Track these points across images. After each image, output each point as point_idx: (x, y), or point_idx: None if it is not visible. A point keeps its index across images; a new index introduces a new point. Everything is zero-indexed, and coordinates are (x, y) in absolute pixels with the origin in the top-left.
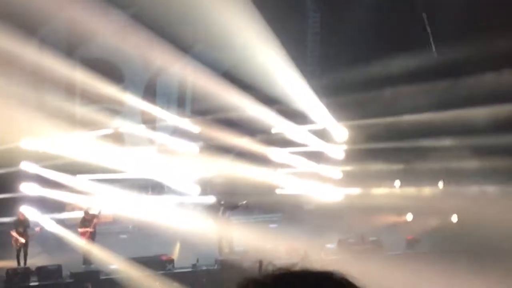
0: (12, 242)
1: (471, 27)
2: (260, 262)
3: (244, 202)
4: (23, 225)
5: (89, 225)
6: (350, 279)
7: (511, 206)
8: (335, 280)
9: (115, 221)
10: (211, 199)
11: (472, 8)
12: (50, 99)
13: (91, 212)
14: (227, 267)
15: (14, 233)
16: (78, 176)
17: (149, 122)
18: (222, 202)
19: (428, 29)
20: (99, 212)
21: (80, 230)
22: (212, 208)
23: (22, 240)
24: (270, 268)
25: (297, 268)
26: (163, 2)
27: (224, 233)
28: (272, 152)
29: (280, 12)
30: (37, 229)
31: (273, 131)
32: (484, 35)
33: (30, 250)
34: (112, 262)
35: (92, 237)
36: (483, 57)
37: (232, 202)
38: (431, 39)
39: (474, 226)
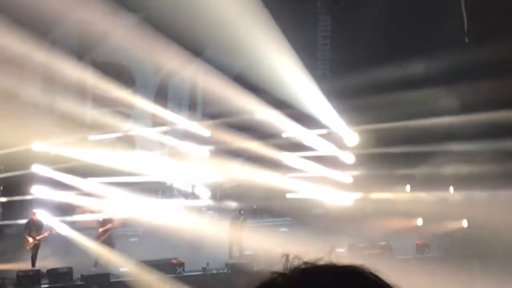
0: (27, 243)
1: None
2: (287, 256)
3: (254, 206)
4: (36, 227)
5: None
6: (379, 274)
7: None
8: (364, 274)
9: (125, 224)
10: (228, 205)
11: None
12: (61, 102)
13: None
14: (237, 270)
15: (26, 236)
16: (89, 179)
17: (160, 125)
18: (243, 212)
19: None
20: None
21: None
22: (231, 215)
23: (31, 244)
24: (296, 262)
25: (323, 262)
26: (174, 6)
27: (235, 238)
28: (282, 156)
29: (290, 15)
30: (47, 231)
31: (284, 135)
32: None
33: (40, 252)
34: (123, 265)
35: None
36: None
37: (249, 207)
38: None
39: (484, 231)
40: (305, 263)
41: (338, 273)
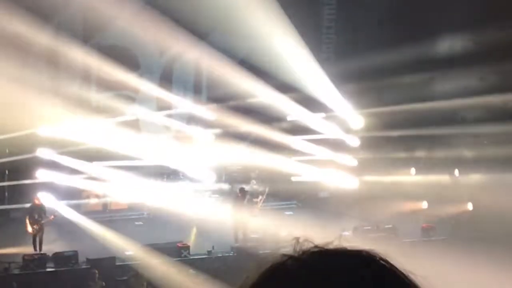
0: (26, 228)
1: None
2: (297, 239)
3: (266, 189)
4: (38, 211)
5: None
6: (390, 260)
7: None
8: (375, 259)
9: (130, 208)
10: (233, 187)
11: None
12: (66, 85)
13: None
14: (243, 254)
15: (27, 220)
16: (94, 163)
17: (165, 109)
18: (247, 189)
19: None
20: None
21: None
22: (237, 196)
23: (30, 230)
24: (307, 245)
25: (333, 246)
26: None
27: (240, 220)
28: (287, 140)
29: None
30: (51, 216)
31: (289, 118)
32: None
33: (46, 236)
34: (128, 248)
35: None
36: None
37: (257, 189)
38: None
39: (489, 214)
40: (316, 246)
41: (349, 256)
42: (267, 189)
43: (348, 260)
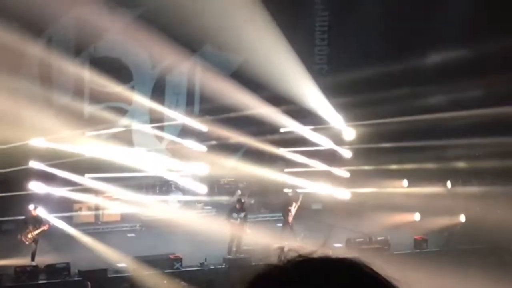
0: (24, 239)
1: (479, 26)
2: (281, 248)
3: (252, 201)
4: (35, 222)
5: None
6: (372, 267)
7: None
8: (359, 266)
9: (123, 220)
10: (226, 200)
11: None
12: (58, 97)
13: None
14: (235, 266)
15: (26, 232)
16: (86, 174)
17: (157, 121)
18: (243, 201)
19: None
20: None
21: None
22: (233, 209)
23: (27, 240)
24: (291, 254)
25: (317, 255)
26: (171, 2)
27: (237, 233)
28: (280, 152)
29: (288, 11)
30: (46, 225)
31: (281, 130)
32: (491, 35)
33: (38, 247)
34: (120, 260)
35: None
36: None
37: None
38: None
39: (482, 225)
40: (300, 255)
41: (333, 265)
42: (252, 201)
43: (331, 268)
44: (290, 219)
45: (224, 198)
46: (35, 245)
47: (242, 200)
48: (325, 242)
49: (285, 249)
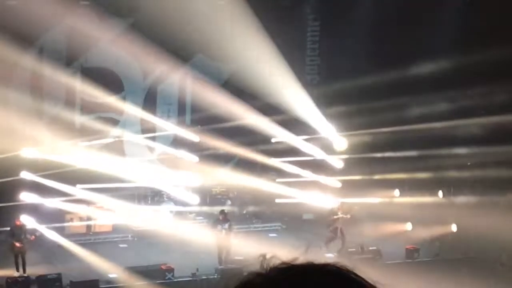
0: (13, 249)
1: (467, 37)
2: (264, 256)
3: (244, 212)
4: (19, 232)
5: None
6: (354, 271)
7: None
8: (339, 272)
9: (115, 230)
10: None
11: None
12: (50, 108)
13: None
14: (227, 276)
15: (13, 241)
16: (78, 185)
17: (149, 131)
18: (226, 212)
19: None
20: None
21: None
22: (217, 219)
23: (12, 249)
24: (274, 261)
25: (300, 261)
26: (162, 12)
27: (224, 243)
28: (271, 162)
29: (279, 21)
30: (32, 236)
31: (273, 140)
32: (480, 45)
33: (29, 259)
34: (112, 271)
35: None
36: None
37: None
38: None
39: (473, 235)
40: (283, 262)
41: (316, 271)
42: (244, 211)
43: (313, 274)
44: (337, 229)
45: (216, 209)
46: (23, 255)
47: (225, 211)
48: (307, 250)
49: (268, 256)
